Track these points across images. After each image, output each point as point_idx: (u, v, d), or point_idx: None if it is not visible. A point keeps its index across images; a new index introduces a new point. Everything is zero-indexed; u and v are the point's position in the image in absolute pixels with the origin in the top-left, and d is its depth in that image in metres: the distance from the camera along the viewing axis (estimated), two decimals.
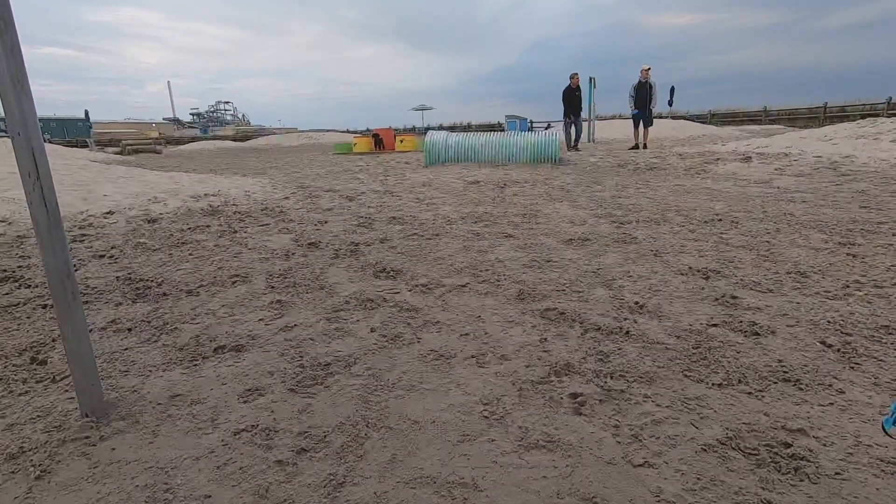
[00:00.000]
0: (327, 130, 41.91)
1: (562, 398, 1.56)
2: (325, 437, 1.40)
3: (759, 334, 1.95)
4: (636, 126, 11.72)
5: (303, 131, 42.73)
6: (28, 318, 2.35)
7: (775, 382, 1.61)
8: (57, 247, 1.37)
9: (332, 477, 1.24)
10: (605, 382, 1.64)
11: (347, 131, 41.81)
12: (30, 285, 2.82)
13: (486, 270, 2.90)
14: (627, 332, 2.00)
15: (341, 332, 2.11)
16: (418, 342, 2.00)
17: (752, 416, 1.43)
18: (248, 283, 2.81)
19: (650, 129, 11.87)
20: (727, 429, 1.37)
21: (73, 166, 7.39)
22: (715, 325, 2.04)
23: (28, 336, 2.14)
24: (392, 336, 2.06)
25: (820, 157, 7.09)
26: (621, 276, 2.71)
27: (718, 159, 7.93)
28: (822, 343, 1.86)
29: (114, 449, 1.37)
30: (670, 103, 15.66)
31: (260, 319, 2.28)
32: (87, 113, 27.87)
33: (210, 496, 1.19)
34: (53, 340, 2.09)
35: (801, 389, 1.57)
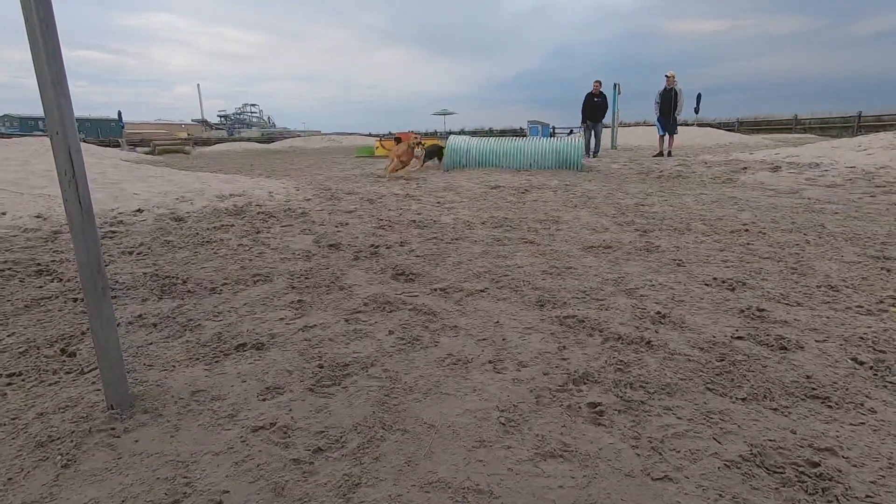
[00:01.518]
0: (350, 133, 42.42)
1: (580, 407, 1.54)
2: (341, 437, 1.41)
3: (786, 349, 1.89)
4: (661, 133, 11.55)
5: (326, 134, 43.34)
6: (59, 310, 2.43)
7: (803, 399, 1.56)
8: (89, 243, 1.41)
9: (347, 477, 1.24)
10: (625, 393, 1.61)
11: (370, 135, 42.23)
12: (61, 279, 2.92)
13: (506, 276, 2.89)
14: (649, 343, 1.96)
15: (360, 334, 2.13)
16: (436, 346, 2.00)
17: (778, 433, 1.38)
18: (270, 282, 2.86)
19: (675, 136, 11.68)
20: (751, 445, 1.33)
21: (105, 165, 7.62)
22: (740, 338, 1.99)
23: (58, 328, 2.21)
24: (410, 339, 2.06)
25: (853, 167, 6.87)
26: (643, 286, 2.66)
27: (746, 168, 7.76)
28: (854, 360, 1.80)
29: (137, 441, 1.40)
30: (696, 110, 15.40)
31: (280, 318, 2.31)
32: (119, 114, 28.77)
33: (228, 492, 1.21)
34: (82, 333, 2.15)
35: (830, 407, 1.51)
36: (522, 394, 1.63)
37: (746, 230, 3.90)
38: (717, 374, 1.71)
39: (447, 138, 10.58)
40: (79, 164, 1.37)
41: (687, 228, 4.04)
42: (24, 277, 2.94)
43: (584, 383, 1.68)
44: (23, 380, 1.76)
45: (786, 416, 1.47)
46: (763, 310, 2.26)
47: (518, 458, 1.31)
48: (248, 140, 39.14)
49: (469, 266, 3.11)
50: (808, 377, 1.68)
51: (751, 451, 1.31)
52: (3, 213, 4.42)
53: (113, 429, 1.45)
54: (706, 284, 2.66)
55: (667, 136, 11.48)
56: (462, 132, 37.05)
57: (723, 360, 1.81)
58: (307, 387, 1.69)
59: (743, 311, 2.27)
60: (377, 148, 17.78)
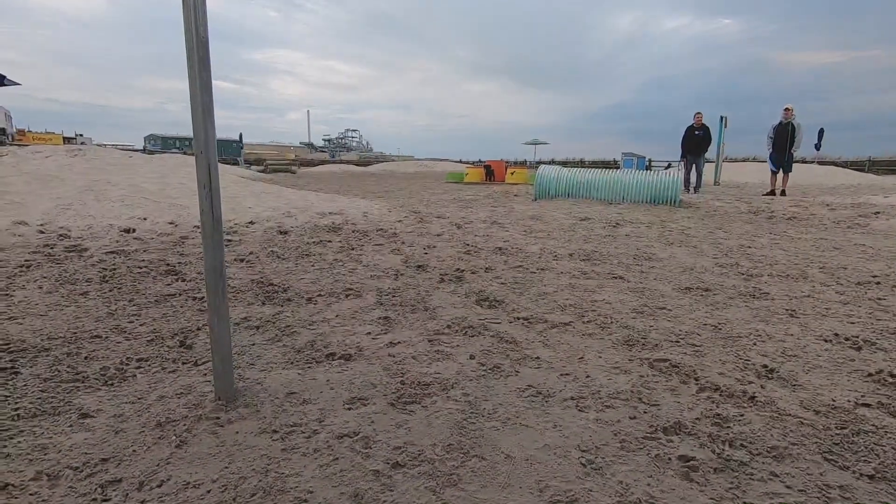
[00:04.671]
0: (441, 160, 43.79)
1: (670, 459, 1.43)
2: (419, 454, 1.43)
3: None
4: (773, 170, 10.61)
5: (418, 159, 45.15)
6: (181, 307, 2.74)
7: None
8: (216, 248, 1.60)
9: (422, 495, 1.26)
10: (723, 450, 1.47)
11: (460, 161, 43.30)
12: (185, 279, 3.30)
13: (592, 311, 2.79)
14: (752, 398, 1.79)
15: (441, 355, 2.16)
16: (516, 375, 1.98)
17: None
18: (360, 297, 3.01)
19: (790, 174, 10.66)
20: None
21: (226, 181, 8.56)
22: (867, 406, 1.74)
23: (180, 323, 2.50)
24: (491, 366, 2.06)
25: None
26: (747, 335, 2.44)
27: (879, 213, 6.86)
28: None
29: (237, 432, 1.53)
30: (818, 147, 13.98)
31: (367, 333, 2.42)
32: (241, 136, 32.25)
33: (312, 492, 1.27)
34: (198, 329, 2.41)
35: None
36: (606, 436, 1.55)
37: (878, 283, 3.43)
38: (836, 444, 1.51)
39: (537, 167, 10.55)
40: (215, 180, 1.57)
41: (802, 276, 3.64)
42: (156, 275, 3.36)
43: (676, 434, 1.56)
44: (149, 365, 2.01)
45: None
46: None
47: (598, 503, 1.25)
48: (347, 162, 41.88)
49: (554, 297, 3.05)
50: None
51: None
52: (145, 219, 5.11)
53: (218, 418, 1.60)
54: (825, 340, 2.37)
55: (780, 174, 10.52)
56: (552, 162, 36.73)
57: (844, 428, 1.60)
58: (389, 401, 1.75)
59: (871, 374, 1.99)
60: (466, 174, 18.19)
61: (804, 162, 19.45)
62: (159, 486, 1.28)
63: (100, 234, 4.46)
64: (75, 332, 2.30)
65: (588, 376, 1.97)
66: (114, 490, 1.26)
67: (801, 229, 6.09)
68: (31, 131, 35.16)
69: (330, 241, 4.80)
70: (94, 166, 7.03)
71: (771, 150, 10.47)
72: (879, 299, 3.06)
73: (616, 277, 3.58)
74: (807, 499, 1.27)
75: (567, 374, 1.99)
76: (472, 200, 9.80)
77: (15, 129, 29.82)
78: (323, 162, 41.73)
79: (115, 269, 3.44)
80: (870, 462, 1.42)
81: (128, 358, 2.05)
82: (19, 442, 1.45)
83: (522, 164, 33.78)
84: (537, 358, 2.14)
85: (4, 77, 10.97)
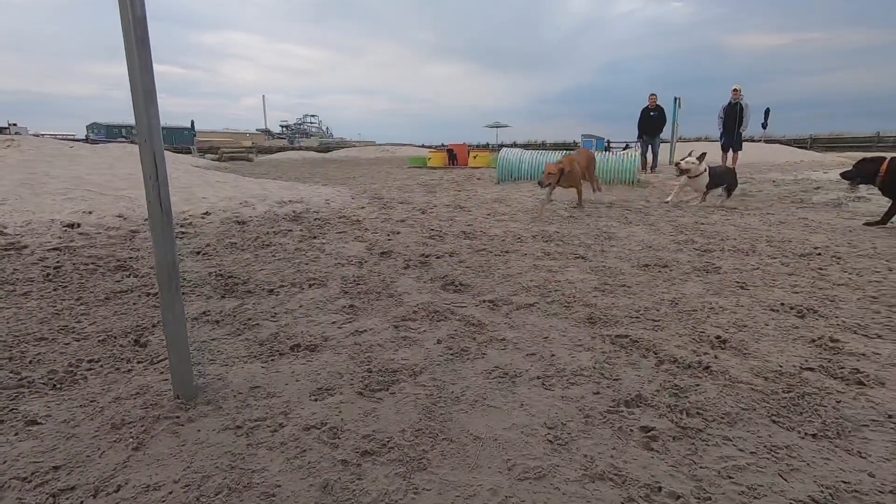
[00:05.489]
0: (403, 144, 43.30)
1: (632, 430, 1.49)
2: (388, 442, 1.43)
3: (863, 384, 1.74)
4: (724, 150, 11.03)
5: (380, 144, 44.48)
6: (134, 304, 2.62)
7: (884, 442, 1.43)
8: (167, 242, 1.53)
9: (393, 483, 1.26)
10: (681, 419, 1.54)
11: (422, 146, 42.95)
12: (137, 275, 3.15)
13: (556, 291, 2.85)
14: (707, 368, 1.87)
15: (408, 341, 2.16)
16: (483, 358, 2.00)
17: (854, 476, 1.28)
18: (324, 286, 2.95)
19: (739, 153, 11.12)
20: (822, 486, 1.24)
21: (179, 170, 8.18)
22: (810, 370, 1.86)
23: (133, 320, 2.38)
24: (458, 349, 2.07)
25: None
26: (701, 307, 2.54)
27: (819, 188, 7.27)
28: None
29: (199, 430, 1.49)
30: (764, 126, 14.62)
31: (333, 322, 2.39)
32: (192, 123, 30.80)
33: (280, 486, 1.25)
34: (153, 326, 2.31)
35: None
36: (571, 412, 1.59)
37: (819, 254, 3.65)
38: (783, 407, 1.61)
39: (499, 150, 10.59)
40: (162, 170, 1.48)
41: (752, 250, 3.83)
42: (105, 272, 3.20)
43: (637, 406, 1.62)
44: (101, 366, 1.91)
45: (863, 458, 1.35)
46: (837, 340, 2.10)
47: (566, 477, 1.28)
48: (307, 149, 40.82)
49: (519, 279, 3.09)
50: (889, 416, 1.54)
51: (822, 492, 1.21)
52: (90, 213, 4.83)
53: (178, 417, 1.55)
54: (772, 310, 2.51)
55: (730, 153, 10.95)
56: (514, 145, 36.94)
57: (790, 391, 1.70)
58: (356, 390, 1.73)
59: (814, 340, 2.12)
60: (429, 159, 18.08)
61: (752, 141, 20.34)
62: (116, 490, 1.23)
63: (40, 231, 4.19)
64: (17, 336, 2.16)
65: (553, 355, 2.01)
66: (67, 499, 1.20)
67: (751, 206, 6.38)
68: None
69: (291, 231, 4.68)
70: (30, 158, 6.57)
71: (721, 129, 10.86)
72: (820, 269, 3.25)
73: (578, 257, 3.65)
74: (756, 460, 1.34)
75: (532, 355, 2.02)
76: (435, 185, 9.76)
77: None
78: (282, 149, 40.52)
79: (59, 267, 3.24)
80: (813, 422, 1.52)
81: (77, 360, 1.94)
82: None
83: (485, 147, 33.83)
84: (503, 339, 2.17)
85: None
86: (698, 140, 28.65)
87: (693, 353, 2.02)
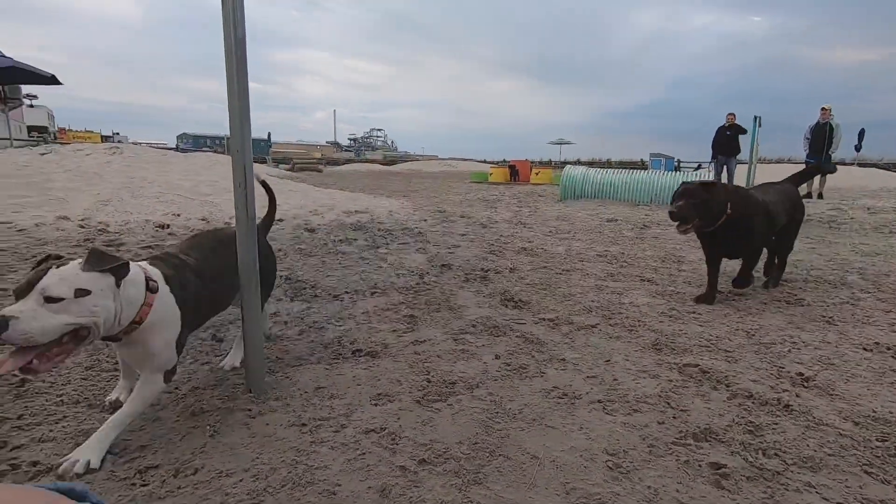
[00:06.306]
0: (465, 159, 43.77)
1: (700, 465, 1.41)
2: (445, 452, 1.44)
3: None
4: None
5: (442, 159, 45.24)
6: None
7: None
8: (250, 244, 1.64)
9: (448, 493, 1.27)
10: (756, 458, 1.44)
11: (483, 161, 43.20)
12: None
13: (619, 314, 2.75)
14: (787, 406, 1.73)
15: (466, 354, 2.17)
16: (541, 376, 1.97)
17: None
18: (386, 295, 3.04)
19: (828, 176, 10.27)
20: None
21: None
22: None
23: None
24: (516, 366, 2.05)
25: None
26: (781, 341, 2.37)
27: None
28: None
29: (268, 424, 1.57)
30: (858, 148, 13.48)
31: (393, 330, 2.44)
32: (269, 135, 32.91)
33: (340, 485, 1.29)
34: (230, 322, 2.47)
35: None
36: (634, 440, 1.53)
37: None
38: (877, 456, 1.46)
39: (562, 168, 10.46)
40: (250, 179, 1.61)
41: (841, 282, 3.51)
42: None
43: (706, 440, 1.53)
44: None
45: None
46: None
47: None
48: (372, 161, 42.27)
49: (580, 299, 3.02)
50: None
51: None
52: (178, 215, 5.27)
53: (250, 410, 1.65)
54: (865, 349, 2.29)
55: (818, 176, 10.14)
56: (578, 162, 36.31)
57: (886, 440, 1.54)
58: (415, 399, 1.76)
59: None
60: (491, 174, 18.15)
61: (843, 164, 18.71)
62: (194, 473, 1.33)
63: (136, 230, 4.62)
64: None
65: (615, 379, 1.95)
66: (152, 475, 1.31)
67: (841, 234, 5.87)
68: (71, 130, 36.63)
69: (356, 240, 4.86)
70: (131, 164, 7.28)
71: (808, 151, 10.12)
72: None
73: (644, 280, 3.52)
74: None
75: (594, 377, 1.97)
76: (496, 200, 9.78)
77: (56, 128, 31.13)
78: (349, 161, 42.23)
79: None
80: None
81: None
82: (64, 427, 1.52)
83: (547, 164, 33.46)
84: (563, 359, 2.13)
85: (55, 77, 11.52)
86: (780, 162, 26.82)
87: (771, 388, 1.88)
